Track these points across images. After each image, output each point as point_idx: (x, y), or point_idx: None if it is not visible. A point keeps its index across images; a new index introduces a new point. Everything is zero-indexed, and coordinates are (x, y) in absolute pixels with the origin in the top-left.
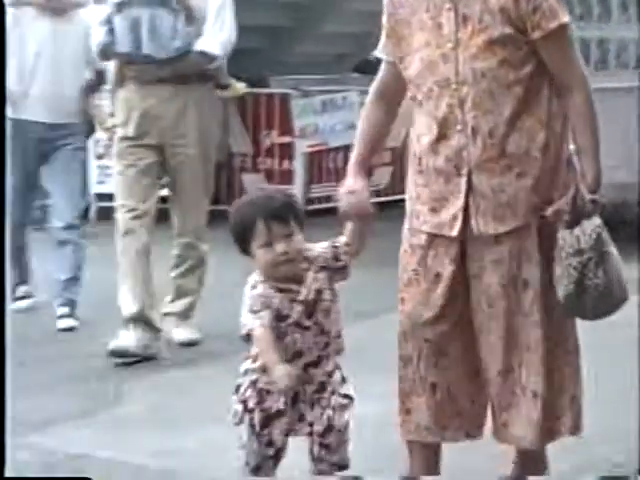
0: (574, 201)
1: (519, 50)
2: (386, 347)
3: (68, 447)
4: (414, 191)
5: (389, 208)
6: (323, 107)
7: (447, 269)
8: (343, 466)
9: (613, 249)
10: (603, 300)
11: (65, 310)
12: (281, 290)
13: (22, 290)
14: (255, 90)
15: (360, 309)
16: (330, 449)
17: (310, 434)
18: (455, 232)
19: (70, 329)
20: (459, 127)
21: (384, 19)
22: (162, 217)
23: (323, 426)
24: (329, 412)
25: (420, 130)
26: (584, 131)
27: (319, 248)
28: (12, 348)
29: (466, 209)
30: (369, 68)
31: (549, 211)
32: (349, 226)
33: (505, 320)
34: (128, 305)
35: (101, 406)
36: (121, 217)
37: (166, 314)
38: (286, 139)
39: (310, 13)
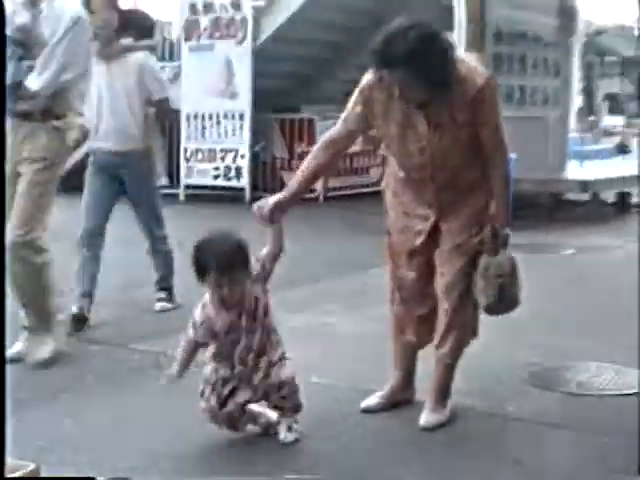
0: (494, 234)
1: (471, 140)
2: (380, 288)
3: None
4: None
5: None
6: None
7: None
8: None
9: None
10: (511, 305)
11: (162, 295)
12: (228, 309)
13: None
14: (291, 115)
15: (365, 263)
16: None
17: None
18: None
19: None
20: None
21: (358, 95)
22: None
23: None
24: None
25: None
26: (501, 187)
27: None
28: None
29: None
30: None
31: (475, 240)
32: (269, 232)
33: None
34: None
35: None
36: None
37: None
38: (312, 148)
39: (327, 64)
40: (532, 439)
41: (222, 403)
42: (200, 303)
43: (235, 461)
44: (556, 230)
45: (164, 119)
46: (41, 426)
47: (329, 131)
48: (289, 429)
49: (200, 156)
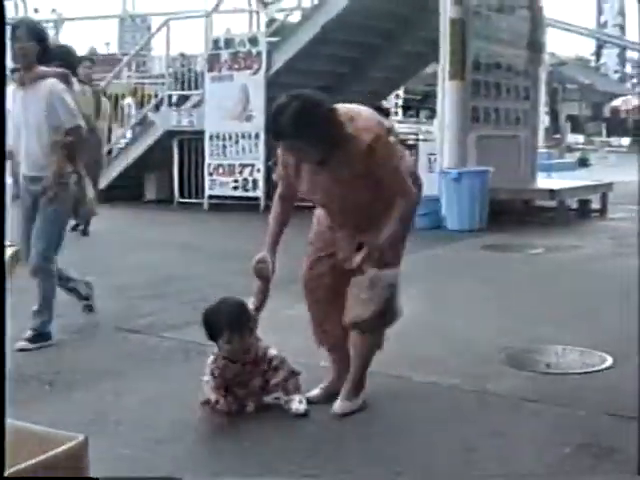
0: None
1: (372, 184)
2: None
3: None
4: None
5: None
6: None
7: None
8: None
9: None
10: (395, 317)
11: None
12: (234, 362)
13: None
14: None
15: None
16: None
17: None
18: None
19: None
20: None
21: (278, 159)
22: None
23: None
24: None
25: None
26: (392, 224)
27: None
28: None
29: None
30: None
31: (357, 257)
32: (254, 285)
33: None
34: None
35: None
36: None
37: None
38: None
39: (331, 92)
40: (508, 412)
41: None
42: (211, 357)
43: (253, 431)
44: (527, 232)
45: (77, 149)
46: (87, 403)
47: (277, 189)
48: (300, 402)
49: (221, 170)
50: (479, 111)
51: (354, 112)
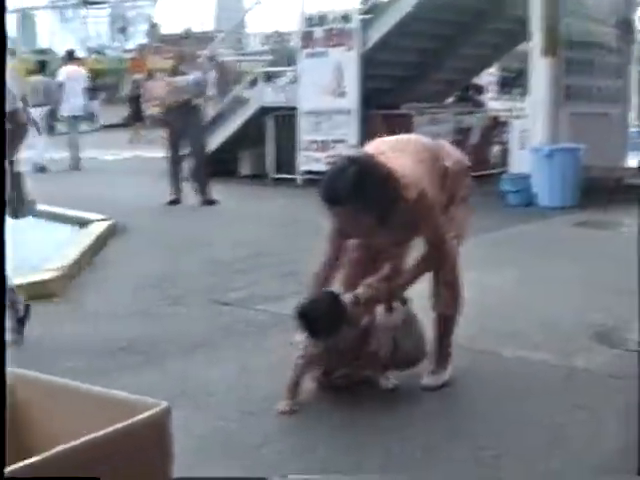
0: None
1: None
2: None
3: None
4: None
5: None
6: (430, 121)
7: None
8: None
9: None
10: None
11: None
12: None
13: None
14: (394, 111)
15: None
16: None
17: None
18: None
19: None
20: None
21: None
22: None
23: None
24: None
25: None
26: (416, 272)
27: None
28: None
29: None
30: (457, 100)
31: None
32: None
33: None
34: None
35: None
36: None
37: None
38: None
39: (422, 67)
40: (596, 388)
41: (325, 374)
42: (303, 344)
43: (343, 406)
44: (618, 210)
45: (18, 132)
46: (180, 374)
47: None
48: (387, 378)
49: (315, 146)
50: (571, 88)
51: (399, 164)
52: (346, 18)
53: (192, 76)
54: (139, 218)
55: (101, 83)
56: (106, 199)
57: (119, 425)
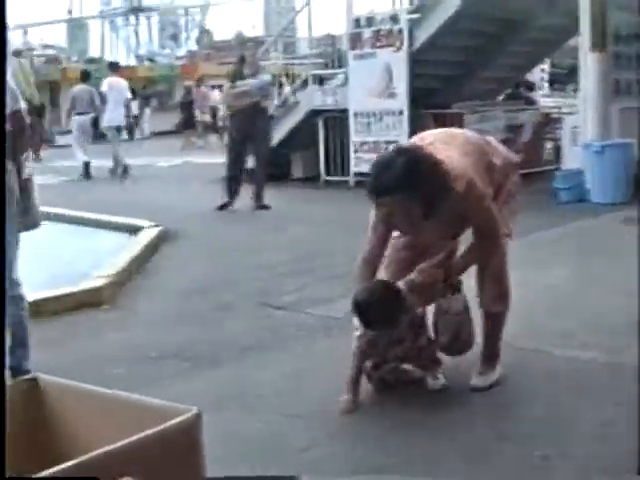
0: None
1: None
2: None
3: None
4: None
5: None
6: (481, 119)
7: None
8: None
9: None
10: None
11: None
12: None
13: None
14: (444, 111)
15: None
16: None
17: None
18: None
19: None
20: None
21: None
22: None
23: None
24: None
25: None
26: (472, 259)
27: None
28: None
29: None
30: (508, 98)
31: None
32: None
33: None
34: None
35: None
36: None
37: None
38: None
39: (470, 66)
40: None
41: (375, 367)
42: (358, 332)
43: (394, 408)
44: None
45: (20, 134)
46: (229, 378)
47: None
48: (434, 377)
49: (366, 148)
50: (621, 83)
51: (445, 156)
52: (394, 19)
53: (256, 80)
54: (190, 224)
55: (152, 90)
56: (157, 205)
57: (150, 431)
